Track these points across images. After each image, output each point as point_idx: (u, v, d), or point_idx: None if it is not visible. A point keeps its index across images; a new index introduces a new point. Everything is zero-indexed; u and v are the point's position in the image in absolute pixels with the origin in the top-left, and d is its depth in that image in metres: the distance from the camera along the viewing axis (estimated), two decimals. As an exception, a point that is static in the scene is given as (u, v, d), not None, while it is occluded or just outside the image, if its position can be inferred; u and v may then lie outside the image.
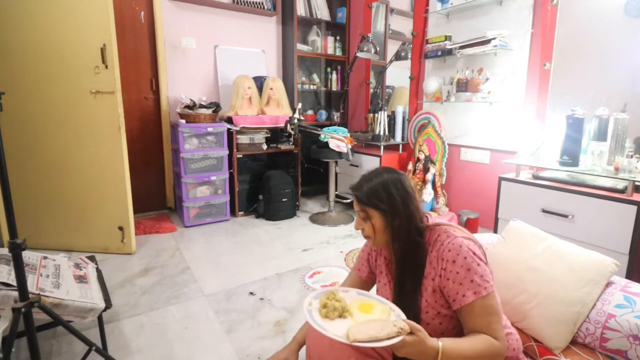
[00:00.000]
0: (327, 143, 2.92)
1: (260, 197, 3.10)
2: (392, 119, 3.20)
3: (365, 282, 1.13)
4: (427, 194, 2.72)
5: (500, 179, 2.00)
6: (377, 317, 0.82)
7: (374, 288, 1.13)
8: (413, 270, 0.90)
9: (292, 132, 2.86)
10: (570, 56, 2.08)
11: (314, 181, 3.82)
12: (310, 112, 3.84)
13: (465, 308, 0.83)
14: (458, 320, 0.89)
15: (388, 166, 1.00)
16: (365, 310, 0.84)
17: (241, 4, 3.27)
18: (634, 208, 1.50)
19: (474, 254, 0.85)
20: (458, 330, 0.90)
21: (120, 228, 2.30)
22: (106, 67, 2.09)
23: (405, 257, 0.92)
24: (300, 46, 3.53)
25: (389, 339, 0.71)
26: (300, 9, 3.46)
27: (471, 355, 0.79)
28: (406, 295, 0.91)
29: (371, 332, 0.72)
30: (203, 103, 2.89)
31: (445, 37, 2.59)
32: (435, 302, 0.88)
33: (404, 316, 0.82)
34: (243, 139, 3.04)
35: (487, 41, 2.29)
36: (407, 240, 0.91)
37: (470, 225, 2.50)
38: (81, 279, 1.41)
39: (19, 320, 1.03)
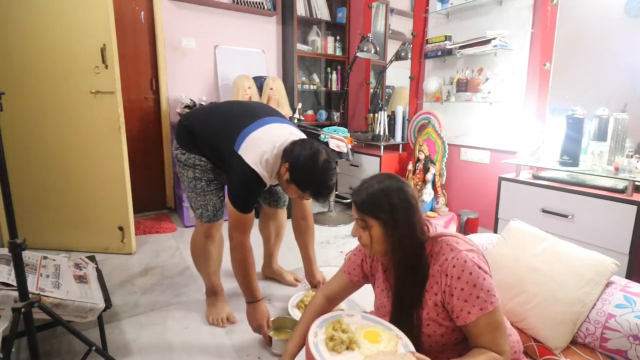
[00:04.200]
0: (327, 143, 2.92)
1: (260, 197, 3.10)
2: (392, 119, 3.20)
3: (354, 285, 1.09)
4: (427, 194, 2.72)
5: (500, 179, 2.00)
6: (385, 346, 0.80)
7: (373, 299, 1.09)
8: (413, 283, 0.87)
9: (292, 132, 2.86)
10: (570, 56, 2.08)
11: (314, 181, 3.81)
12: (310, 112, 3.84)
13: (470, 325, 0.81)
14: (460, 332, 0.88)
15: (390, 172, 0.95)
16: (371, 339, 0.83)
17: (241, 4, 3.27)
18: (634, 208, 1.50)
19: (479, 267, 0.82)
20: (459, 341, 0.89)
21: (120, 228, 2.30)
22: (106, 67, 2.08)
23: (405, 270, 0.88)
24: (300, 46, 3.53)
25: None
26: (300, 9, 3.46)
27: None
28: (406, 308, 0.89)
29: None
30: (203, 103, 2.89)
31: (445, 37, 2.59)
32: (437, 315, 0.86)
33: (412, 346, 0.81)
34: (243, 139, 3.04)
35: (487, 41, 2.29)
36: (408, 252, 0.86)
37: (470, 225, 2.50)
38: (81, 279, 1.41)
39: (19, 320, 1.03)
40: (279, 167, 1.41)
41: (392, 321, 0.91)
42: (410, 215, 0.86)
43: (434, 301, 0.85)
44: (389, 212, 0.85)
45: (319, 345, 0.80)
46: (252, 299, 1.47)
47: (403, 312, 0.89)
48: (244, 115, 1.49)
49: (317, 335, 0.82)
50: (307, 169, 1.33)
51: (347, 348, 0.80)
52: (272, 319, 1.53)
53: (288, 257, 2.33)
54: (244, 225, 1.43)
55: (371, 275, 1.05)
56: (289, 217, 1.92)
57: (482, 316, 0.80)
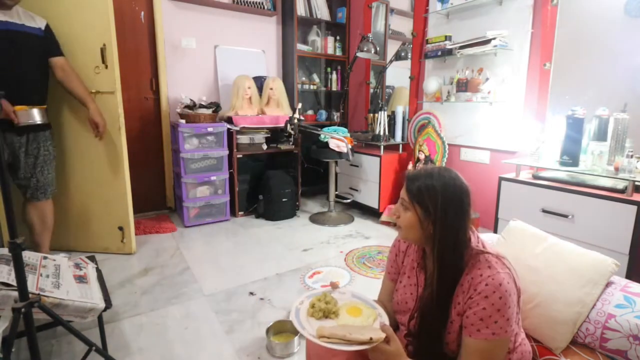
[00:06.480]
0: (327, 143, 2.92)
1: (260, 197, 3.10)
2: (392, 119, 3.20)
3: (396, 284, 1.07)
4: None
5: (500, 179, 2.00)
6: (362, 321, 0.84)
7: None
8: (449, 284, 0.86)
9: (292, 132, 2.86)
10: (570, 56, 2.08)
11: (314, 181, 3.82)
12: (310, 112, 3.84)
13: (472, 341, 0.80)
14: None
15: (454, 170, 0.89)
16: (353, 313, 0.87)
17: (241, 4, 3.27)
18: (634, 208, 1.50)
19: (510, 295, 0.79)
20: None
21: (120, 228, 2.30)
22: (106, 67, 2.09)
23: (446, 269, 0.86)
24: (300, 46, 3.53)
25: (360, 344, 0.73)
26: (300, 9, 3.46)
27: None
28: (437, 305, 0.87)
29: (339, 334, 0.74)
30: (203, 103, 2.89)
31: (445, 37, 2.59)
32: (458, 325, 0.85)
33: (387, 321, 0.83)
34: (243, 139, 3.04)
35: (487, 41, 2.29)
36: (453, 253, 0.85)
37: (470, 225, 2.50)
38: (81, 279, 1.40)
39: (19, 320, 1.03)
40: None
41: (417, 318, 0.90)
42: (460, 218, 0.85)
43: (457, 311, 0.85)
44: (442, 208, 0.83)
45: (300, 311, 0.85)
46: None
47: (433, 306, 0.87)
48: None
49: (302, 303, 0.87)
50: None
51: (326, 317, 0.84)
52: (272, 322, 1.55)
53: (288, 257, 2.33)
54: None
55: (397, 271, 1.04)
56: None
57: (489, 339, 0.79)
